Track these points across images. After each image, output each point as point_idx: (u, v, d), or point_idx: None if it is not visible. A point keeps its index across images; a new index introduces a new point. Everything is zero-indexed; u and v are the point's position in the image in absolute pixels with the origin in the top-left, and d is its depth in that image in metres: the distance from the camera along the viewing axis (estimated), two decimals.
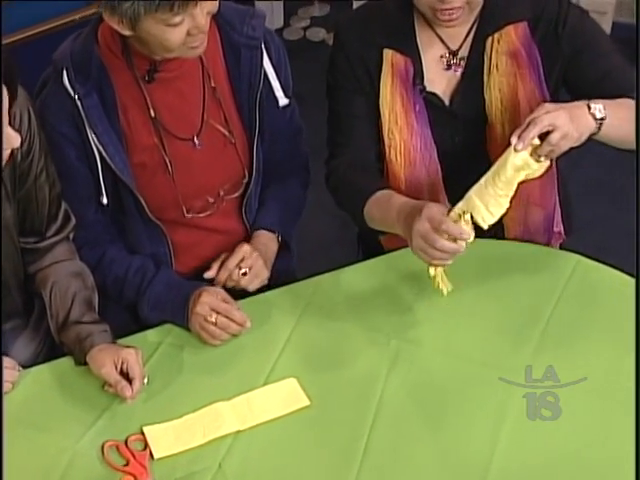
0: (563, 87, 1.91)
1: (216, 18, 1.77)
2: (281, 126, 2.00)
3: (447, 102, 1.91)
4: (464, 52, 1.88)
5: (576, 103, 1.70)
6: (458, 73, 1.89)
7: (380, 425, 1.67)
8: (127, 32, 1.69)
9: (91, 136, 1.82)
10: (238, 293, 1.93)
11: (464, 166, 1.91)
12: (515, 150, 1.65)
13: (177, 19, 1.65)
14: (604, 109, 1.68)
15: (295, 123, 2.05)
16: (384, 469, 1.61)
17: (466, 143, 1.93)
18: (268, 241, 2.06)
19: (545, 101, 1.84)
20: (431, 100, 1.90)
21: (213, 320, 1.80)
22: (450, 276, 1.81)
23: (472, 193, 1.69)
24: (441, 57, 1.89)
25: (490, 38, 1.84)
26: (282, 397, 1.73)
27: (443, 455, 1.62)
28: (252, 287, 1.94)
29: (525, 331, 1.81)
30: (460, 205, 1.69)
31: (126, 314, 1.97)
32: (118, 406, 1.72)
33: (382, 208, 1.81)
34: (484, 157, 1.91)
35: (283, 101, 1.97)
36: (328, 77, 1.94)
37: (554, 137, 1.63)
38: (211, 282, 1.96)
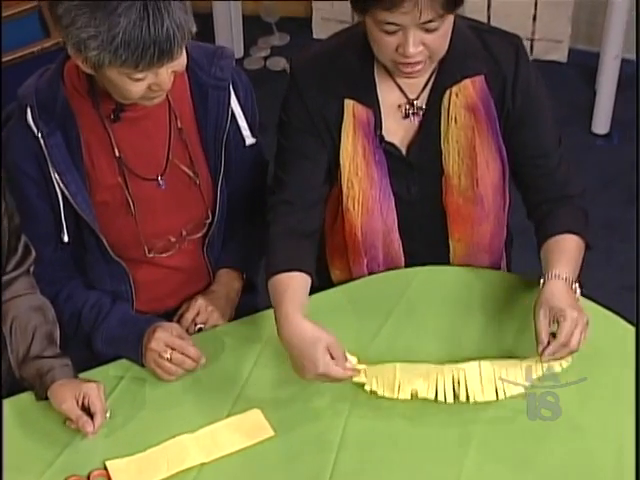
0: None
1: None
2: (247, 165, 2.00)
3: (404, 151, 1.90)
4: (422, 102, 1.87)
5: (566, 289, 1.76)
6: (415, 122, 1.88)
7: (345, 454, 1.67)
8: (89, 71, 1.69)
9: (54, 175, 1.81)
10: None
11: (419, 215, 1.96)
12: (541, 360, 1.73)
13: (140, 75, 1.65)
14: (578, 288, 1.79)
15: (261, 161, 2.06)
16: None
17: (422, 193, 1.94)
18: (231, 280, 2.06)
19: (500, 154, 1.88)
20: (389, 150, 1.90)
21: (168, 356, 1.79)
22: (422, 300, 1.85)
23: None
24: (399, 106, 1.87)
25: (448, 91, 1.84)
26: (246, 428, 1.73)
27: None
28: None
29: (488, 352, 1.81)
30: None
31: (87, 349, 1.95)
32: (80, 441, 1.70)
33: (277, 296, 1.77)
34: (439, 207, 1.94)
35: (250, 140, 1.98)
36: (281, 114, 1.91)
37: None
38: (167, 318, 1.96)
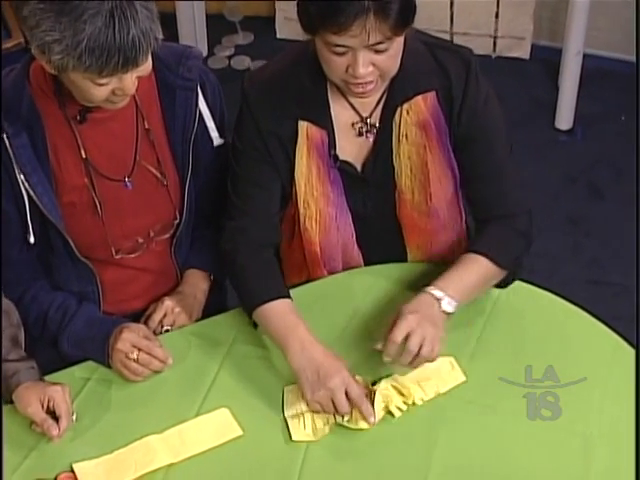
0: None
1: (152, 59, 1.74)
2: (215, 165, 2.00)
3: (359, 168, 1.91)
4: (375, 120, 1.87)
5: (428, 299, 1.76)
6: (370, 140, 1.89)
7: (313, 453, 1.67)
8: (53, 72, 1.68)
9: (19, 176, 1.79)
10: None
11: (376, 228, 1.97)
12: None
13: (104, 80, 1.65)
14: (453, 301, 1.77)
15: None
16: None
17: (377, 208, 1.95)
18: (199, 280, 2.06)
19: (452, 169, 1.88)
20: (344, 168, 1.90)
21: (134, 357, 1.78)
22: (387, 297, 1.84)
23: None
24: (353, 125, 1.88)
25: (400, 108, 1.84)
26: (214, 428, 1.72)
27: (381, 475, 1.64)
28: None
29: (457, 349, 1.82)
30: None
31: (54, 350, 1.94)
32: (46, 445, 1.69)
33: (276, 326, 1.79)
34: (394, 221, 1.96)
35: (218, 141, 1.98)
36: (235, 140, 1.91)
37: (425, 351, 1.71)
38: (135, 319, 1.96)
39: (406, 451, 1.68)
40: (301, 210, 1.92)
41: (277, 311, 1.81)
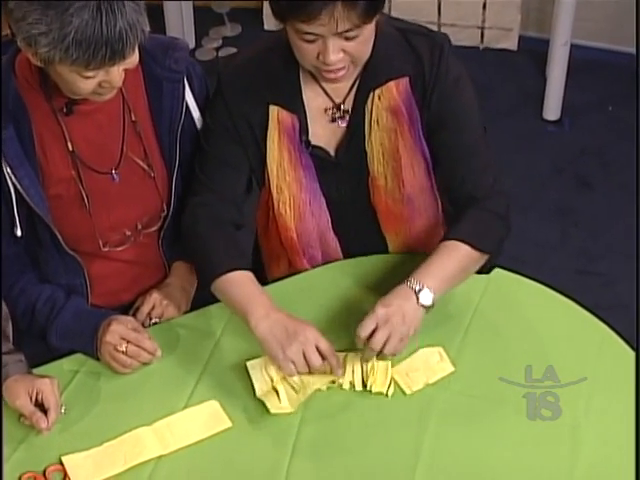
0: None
1: (139, 50, 1.74)
2: None
3: (332, 153, 1.92)
4: (348, 105, 1.88)
5: (405, 292, 1.73)
6: (343, 125, 1.89)
7: (303, 444, 1.68)
8: (39, 64, 1.68)
9: (6, 169, 1.79)
10: None
11: (352, 214, 1.98)
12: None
13: (91, 73, 1.65)
14: (431, 293, 1.73)
15: None
16: None
17: (351, 193, 1.96)
18: (187, 272, 2.06)
19: (424, 156, 1.88)
20: (317, 153, 1.91)
21: (123, 349, 1.78)
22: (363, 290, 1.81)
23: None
24: (326, 110, 1.88)
25: (372, 93, 1.84)
26: (204, 419, 1.72)
27: (371, 470, 1.64)
28: None
29: (445, 340, 1.83)
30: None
31: (42, 343, 1.94)
32: (35, 437, 1.69)
33: (238, 295, 1.78)
34: (368, 206, 1.96)
35: None
36: (207, 118, 1.92)
37: (388, 349, 1.71)
38: (123, 312, 1.95)
39: (396, 441, 1.68)
40: (274, 195, 1.93)
41: (238, 281, 1.79)
